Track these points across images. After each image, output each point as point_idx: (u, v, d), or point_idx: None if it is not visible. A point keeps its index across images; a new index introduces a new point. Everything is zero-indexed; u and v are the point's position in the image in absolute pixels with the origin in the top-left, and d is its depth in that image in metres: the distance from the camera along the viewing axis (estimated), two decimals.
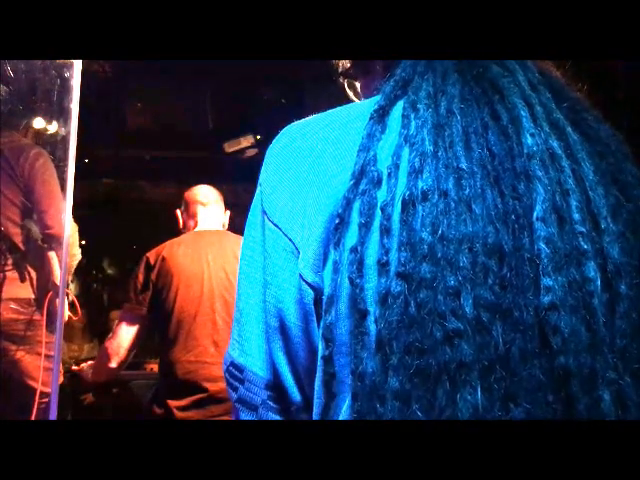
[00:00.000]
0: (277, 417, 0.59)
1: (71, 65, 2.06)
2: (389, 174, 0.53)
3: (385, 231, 0.51)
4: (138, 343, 2.36)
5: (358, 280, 0.51)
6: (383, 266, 0.50)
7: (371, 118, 0.56)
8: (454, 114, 0.54)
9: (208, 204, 2.46)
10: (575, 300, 0.49)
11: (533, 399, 0.47)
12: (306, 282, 0.55)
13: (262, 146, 4.23)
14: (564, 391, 0.48)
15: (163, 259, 2.26)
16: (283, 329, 0.57)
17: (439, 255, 0.49)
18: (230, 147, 4.32)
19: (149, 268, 2.27)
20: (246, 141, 4.29)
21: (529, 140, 0.53)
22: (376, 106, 0.57)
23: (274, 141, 0.62)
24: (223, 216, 2.50)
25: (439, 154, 0.52)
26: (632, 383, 0.49)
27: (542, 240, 0.49)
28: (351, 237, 0.52)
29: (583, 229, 0.51)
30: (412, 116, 0.55)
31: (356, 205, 0.53)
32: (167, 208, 2.60)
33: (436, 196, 0.51)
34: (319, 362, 0.54)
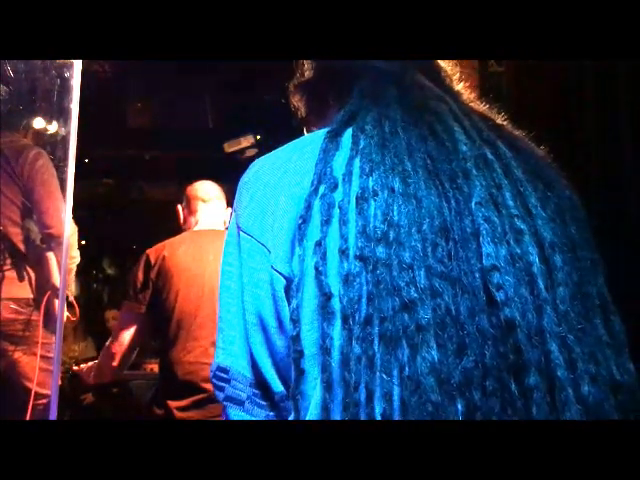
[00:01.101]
0: (263, 410, 0.64)
1: (71, 65, 2.06)
2: (343, 179, 0.62)
3: (343, 223, 0.60)
4: (139, 342, 2.34)
5: (322, 268, 0.59)
6: (343, 252, 0.58)
7: (325, 138, 0.66)
8: (397, 133, 0.64)
9: (210, 200, 2.43)
10: (516, 268, 0.58)
11: (483, 350, 0.54)
12: (277, 272, 0.63)
13: (262, 146, 4.23)
14: (511, 341, 0.55)
15: (164, 258, 2.24)
16: (261, 323, 0.64)
17: (391, 238, 0.58)
18: (230, 147, 4.32)
19: (149, 266, 2.25)
20: (246, 141, 4.28)
21: (464, 147, 0.63)
22: (329, 128, 0.67)
23: (244, 174, 0.72)
24: (224, 212, 2.47)
25: (386, 160, 0.62)
26: (576, 341, 0.57)
27: (481, 218, 0.59)
28: (314, 233, 0.61)
29: (517, 212, 0.61)
30: (361, 136, 0.65)
31: (316, 207, 0.61)
32: (167, 208, 2.60)
33: (385, 192, 0.60)
34: (290, 342, 0.60)
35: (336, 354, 0.56)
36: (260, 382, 0.64)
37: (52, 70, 2.17)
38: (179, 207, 2.49)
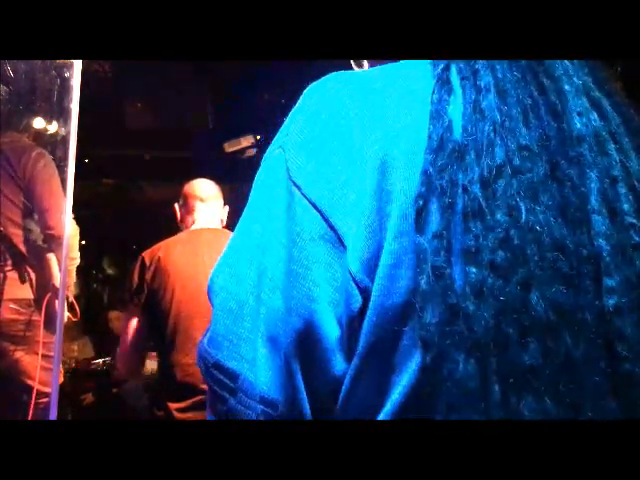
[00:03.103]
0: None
1: (71, 65, 2.06)
2: (465, 147, 0.46)
3: (472, 214, 0.44)
4: (142, 344, 2.33)
5: (447, 270, 0.44)
6: (474, 255, 0.44)
7: (438, 79, 0.49)
8: (509, 79, 0.49)
9: (207, 200, 2.41)
10: (635, 302, 0.45)
11: (597, 406, 0.44)
12: (356, 283, 0.45)
13: (262, 146, 4.23)
14: (628, 398, 0.44)
15: (159, 259, 2.23)
16: (307, 333, 0.47)
17: (515, 242, 0.43)
18: (230, 147, 4.32)
19: (144, 268, 2.24)
20: (246, 141, 4.28)
21: (577, 120, 0.48)
22: (441, 65, 0.51)
23: (310, 91, 0.52)
24: (222, 211, 2.46)
25: (506, 124, 0.46)
26: None
27: (602, 236, 0.45)
28: (433, 221, 0.45)
29: (634, 220, 0.47)
30: (472, 78, 0.49)
31: (436, 180, 0.45)
32: (167, 208, 2.59)
33: (509, 174, 0.45)
34: (414, 374, 0.45)
35: (468, 388, 0.43)
36: (277, 403, 0.49)
37: (52, 70, 2.17)
38: (176, 205, 2.48)
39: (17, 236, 2.44)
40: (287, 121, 0.51)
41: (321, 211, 0.46)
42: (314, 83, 0.52)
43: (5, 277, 2.41)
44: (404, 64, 0.54)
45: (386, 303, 0.45)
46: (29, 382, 2.36)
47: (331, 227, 0.46)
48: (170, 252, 2.26)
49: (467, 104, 0.47)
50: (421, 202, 0.44)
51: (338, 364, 0.47)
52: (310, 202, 0.46)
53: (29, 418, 2.21)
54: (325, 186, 0.46)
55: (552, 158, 0.47)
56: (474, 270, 0.43)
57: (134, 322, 2.28)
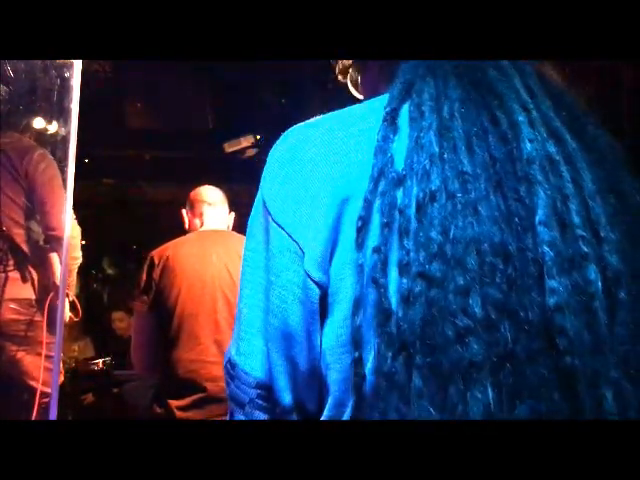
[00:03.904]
0: (264, 416, 0.60)
1: (71, 65, 2.06)
2: (404, 176, 0.54)
3: (405, 232, 0.52)
4: (150, 341, 2.33)
5: (382, 280, 0.52)
6: (405, 267, 0.51)
7: (384, 120, 0.57)
8: (456, 117, 0.56)
9: (214, 204, 2.46)
10: (578, 302, 0.50)
11: (538, 396, 0.48)
12: (312, 280, 0.55)
13: (262, 146, 4.22)
14: (569, 390, 0.48)
15: (167, 258, 2.27)
16: (285, 329, 0.57)
17: (449, 255, 0.50)
18: (230, 147, 4.32)
19: (153, 267, 2.28)
20: (246, 141, 4.29)
21: (528, 145, 0.54)
22: (388, 108, 0.58)
23: (276, 144, 0.63)
24: (228, 216, 2.51)
25: (445, 156, 0.54)
26: (632, 388, 0.50)
27: (545, 243, 0.51)
28: (373, 238, 0.53)
29: (584, 233, 0.52)
30: (419, 120, 0.56)
31: (376, 206, 0.54)
32: (167, 208, 2.60)
33: (444, 197, 0.52)
34: (350, 365, 0.53)
35: (394, 380, 0.50)
36: (268, 387, 0.59)
37: (52, 70, 2.17)
38: (183, 211, 2.51)
39: (19, 236, 2.44)
40: (266, 163, 0.62)
41: (286, 231, 0.57)
42: (284, 133, 0.63)
43: (7, 277, 2.41)
44: (358, 108, 0.63)
45: (335, 300, 0.55)
46: (31, 382, 2.36)
47: (294, 240, 0.57)
48: (178, 251, 2.29)
49: (411, 140, 0.56)
50: (360, 223, 0.54)
51: (313, 349, 0.57)
52: (278, 225, 0.58)
53: (33, 418, 2.21)
54: (290, 213, 0.58)
55: (498, 177, 0.53)
56: (405, 281, 0.51)
57: (144, 320, 2.31)
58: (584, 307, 0.50)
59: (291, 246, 0.57)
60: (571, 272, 0.51)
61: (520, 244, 0.51)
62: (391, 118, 0.57)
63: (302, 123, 0.63)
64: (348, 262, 0.54)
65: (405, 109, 0.58)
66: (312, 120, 0.62)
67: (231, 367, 0.61)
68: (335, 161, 0.57)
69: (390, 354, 0.50)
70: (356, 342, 0.52)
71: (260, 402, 0.60)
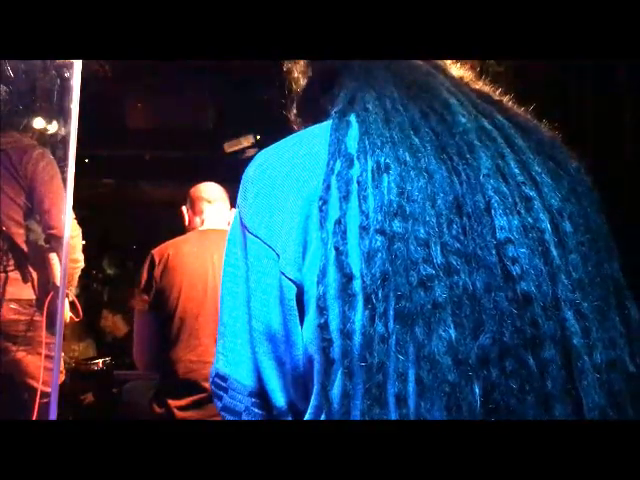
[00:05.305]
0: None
1: (71, 65, 2.06)
2: (358, 156, 0.61)
3: (363, 199, 0.58)
4: (151, 340, 2.33)
5: (342, 247, 0.57)
6: (364, 229, 0.57)
7: (335, 118, 0.65)
8: (398, 110, 0.64)
9: (214, 201, 2.45)
10: (529, 238, 0.57)
11: (501, 327, 0.53)
12: (288, 278, 0.59)
13: (262, 146, 4.21)
14: (528, 315, 0.54)
15: (168, 257, 2.26)
16: (269, 331, 0.61)
17: (407, 212, 0.57)
18: (230, 147, 4.32)
19: (153, 265, 2.27)
20: (246, 141, 4.28)
21: (462, 119, 0.63)
22: (336, 108, 0.66)
23: (247, 167, 0.69)
24: (229, 213, 2.49)
25: (393, 135, 0.61)
26: (590, 308, 0.56)
27: (491, 190, 0.58)
28: (333, 212, 0.58)
29: (524, 180, 0.60)
30: (365, 114, 0.64)
31: (334, 185, 0.60)
32: (167, 208, 2.60)
33: (398, 165, 0.59)
34: (316, 331, 0.57)
35: (357, 337, 0.54)
36: (261, 392, 0.62)
37: (52, 70, 2.17)
38: (183, 208, 2.50)
39: (19, 236, 2.44)
40: (240, 185, 0.68)
41: (262, 239, 0.62)
42: (254, 157, 0.69)
43: (7, 277, 2.41)
44: (317, 128, 0.68)
45: (312, 296, 0.59)
46: (31, 382, 2.36)
47: (269, 247, 0.61)
48: (179, 250, 2.28)
49: (360, 129, 0.62)
50: (321, 202, 0.59)
51: (296, 346, 0.60)
52: (255, 235, 0.63)
53: (33, 418, 2.21)
54: (264, 223, 0.63)
55: (442, 145, 0.61)
56: (366, 240, 0.56)
57: (145, 319, 2.30)
58: (536, 241, 0.57)
59: (267, 252, 0.61)
60: (520, 212, 0.58)
61: (470, 196, 0.58)
62: (341, 114, 0.65)
63: (269, 146, 0.69)
64: (319, 257, 0.58)
65: (352, 110, 0.65)
66: (277, 142, 0.68)
67: (221, 380, 0.64)
68: (300, 173, 0.63)
69: (352, 313, 0.55)
70: (321, 309, 0.56)
71: (256, 409, 0.62)
